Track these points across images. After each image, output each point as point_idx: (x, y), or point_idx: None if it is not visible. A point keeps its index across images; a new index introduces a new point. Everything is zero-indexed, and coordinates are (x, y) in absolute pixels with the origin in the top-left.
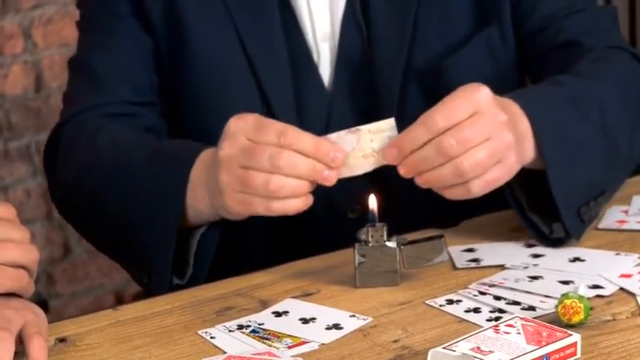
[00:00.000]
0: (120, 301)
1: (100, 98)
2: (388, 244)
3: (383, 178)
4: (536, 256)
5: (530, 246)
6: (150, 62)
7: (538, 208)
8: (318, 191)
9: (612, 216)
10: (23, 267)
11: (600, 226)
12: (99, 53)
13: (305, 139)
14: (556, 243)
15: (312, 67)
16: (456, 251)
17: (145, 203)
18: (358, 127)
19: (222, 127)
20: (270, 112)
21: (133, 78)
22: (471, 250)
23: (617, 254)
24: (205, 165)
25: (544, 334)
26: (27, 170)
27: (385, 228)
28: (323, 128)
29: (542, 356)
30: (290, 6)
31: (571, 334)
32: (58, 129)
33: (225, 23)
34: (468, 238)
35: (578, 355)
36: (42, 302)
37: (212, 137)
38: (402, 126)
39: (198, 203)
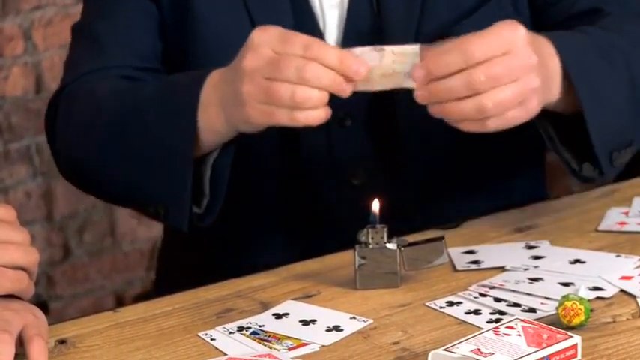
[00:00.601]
0: (120, 302)
1: (102, 62)
2: (388, 245)
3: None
4: (536, 257)
5: (530, 247)
6: (154, 30)
7: (568, 147)
8: (317, 157)
9: (612, 218)
10: (23, 268)
11: (600, 227)
12: (103, 21)
13: (330, 52)
14: (586, 180)
15: (318, 35)
16: (457, 253)
17: (157, 134)
18: (383, 47)
19: None
20: None
21: (138, 44)
22: (471, 252)
23: (618, 256)
24: (216, 83)
25: (544, 335)
26: (27, 172)
27: (385, 230)
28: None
29: (543, 358)
30: None
31: (571, 336)
32: (58, 94)
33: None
34: (468, 239)
35: (579, 356)
36: (42, 304)
37: None
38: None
39: (213, 123)
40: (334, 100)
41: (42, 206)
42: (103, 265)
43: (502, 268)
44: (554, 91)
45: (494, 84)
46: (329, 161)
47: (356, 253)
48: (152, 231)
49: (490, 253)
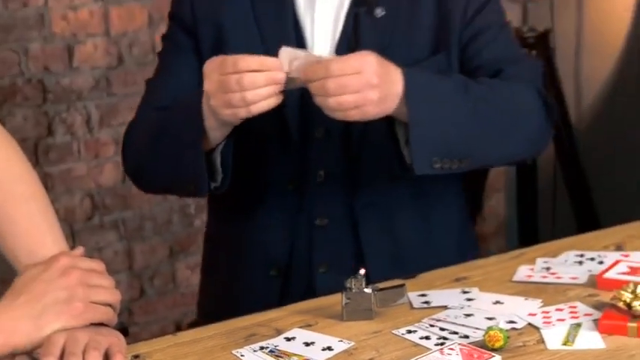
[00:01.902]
0: (178, 328)
1: (154, 104)
2: (366, 290)
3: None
4: (469, 299)
5: (465, 292)
6: (195, 78)
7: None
8: (289, 161)
9: (522, 272)
10: (110, 305)
11: (514, 279)
12: (158, 78)
13: (251, 61)
14: (408, 171)
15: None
16: (413, 296)
17: (179, 140)
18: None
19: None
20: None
21: (179, 91)
22: (423, 295)
23: (526, 299)
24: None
25: (475, 355)
26: (115, 237)
27: (364, 279)
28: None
29: None
30: (300, 27)
31: (494, 356)
32: (129, 126)
33: (259, 45)
34: (421, 286)
35: None
36: (124, 329)
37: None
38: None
39: (210, 129)
40: (310, 118)
41: (125, 261)
42: (167, 302)
43: (445, 307)
44: (391, 105)
45: (340, 92)
46: (300, 163)
47: (343, 295)
48: None
49: (437, 296)
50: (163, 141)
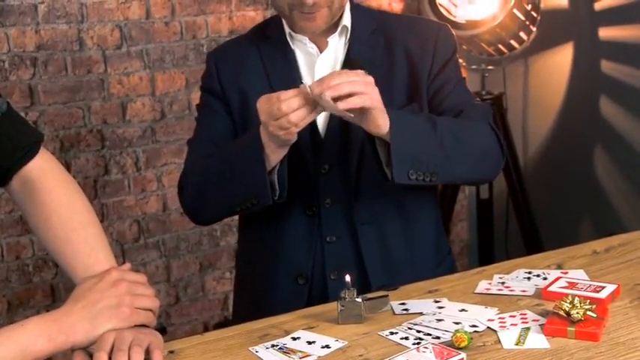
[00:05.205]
0: (206, 329)
1: (199, 154)
2: (357, 299)
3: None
4: (440, 307)
5: (436, 302)
6: (230, 130)
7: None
8: (305, 189)
9: (482, 286)
10: (151, 310)
11: (476, 291)
12: (199, 133)
13: (288, 92)
14: (389, 180)
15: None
16: (395, 304)
17: (246, 165)
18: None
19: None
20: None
21: (218, 141)
22: (403, 304)
23: (486, 307)
24: (261, 131)
25: (445, 352)
26: (156, 255)
27: (355, 290)
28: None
29: None
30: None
31: (460, 353)
32: (183, 173)
33: None
34: (402, 296)
35: None
36: (162, 329)
37: None
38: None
39: (270, 153)
40: (318, 159)
41: (164, 274)
42: (197, 307)
43: (421, 313)
44: (382, 124)
45: (339, 92)
46: (313, 194)
47: (338, 303)
48: (224, 288)
49: (414, 305)
50: (227, 171)
